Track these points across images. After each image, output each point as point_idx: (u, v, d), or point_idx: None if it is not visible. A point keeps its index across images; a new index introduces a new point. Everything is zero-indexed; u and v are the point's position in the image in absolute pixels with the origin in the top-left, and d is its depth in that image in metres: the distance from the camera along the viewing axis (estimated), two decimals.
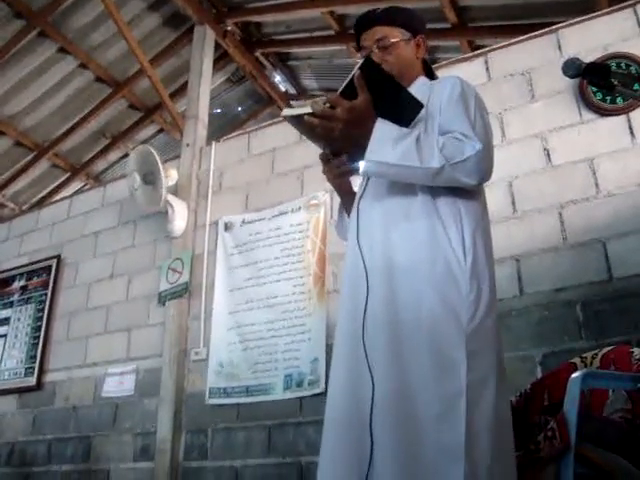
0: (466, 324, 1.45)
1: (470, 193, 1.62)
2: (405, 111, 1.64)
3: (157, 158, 4.28)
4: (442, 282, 1.49)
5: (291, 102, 7.08)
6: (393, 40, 1.83)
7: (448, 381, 1.40)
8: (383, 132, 1.55)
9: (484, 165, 1.56)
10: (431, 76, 1.93)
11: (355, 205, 1.74)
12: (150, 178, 4.31)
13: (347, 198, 1.87)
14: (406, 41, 1.86)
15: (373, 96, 1.58)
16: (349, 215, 1.85)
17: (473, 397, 1.39)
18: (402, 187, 1.62)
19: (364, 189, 1.73)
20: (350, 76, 1.57)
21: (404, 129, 1.58)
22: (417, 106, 1.64)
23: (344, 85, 1.59)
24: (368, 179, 1.71)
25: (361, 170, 1.60)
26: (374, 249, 1.59)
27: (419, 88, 1.80)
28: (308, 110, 1.60)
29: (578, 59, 1.66)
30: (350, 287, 1.64)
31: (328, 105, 1.59)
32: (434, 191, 1.58)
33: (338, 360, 1.61)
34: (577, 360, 2.20)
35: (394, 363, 1.45)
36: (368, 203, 1.68)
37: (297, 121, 1.66)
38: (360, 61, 1.57)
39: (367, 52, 1.83)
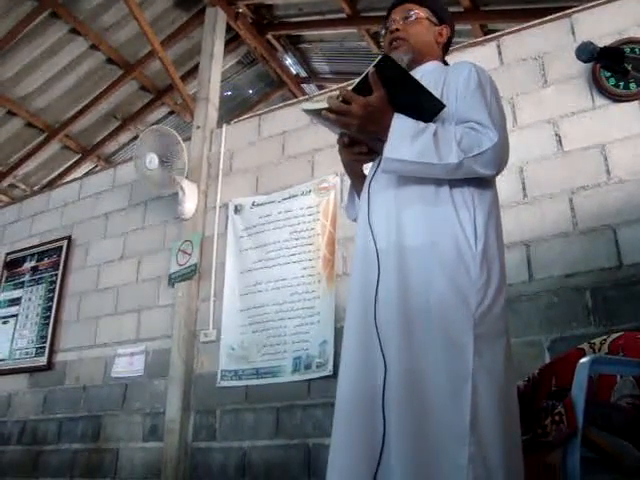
0: (475, 308, 1.46)
1: (484, 181, 1.62)
2: (425, 108, 1.63)
3: (179, 138, 4.30)
4: (452, 266, 1.49)
5: (308, 96, 7.05)
6: (419, 15, 1.90)
7: (455, 364, 1.41)
8: (400, 128, 1.56)
9: (501, 155, 1.58)
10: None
11: (366, 186, 1.74)
12: (163, 159, 4.30)
13: (358, 181, 1.88)
14: (431, 22, 1.92)
15: (391, 92, 1.58)
16: (359, 197, 1.86)
17: (480, 381, 1.40)
18: None
19: (375, 170, 1.73)
20: (365, 73, 1.57)
21: (421, 124, 1.57)
22: (439, 105, 1.63)
23: (358, 81, 1.59)
24: (380, 161, 1.71)
25: (380, 168, 1.61)
26: (386, 230, 1.59)
27: (431, 71, 1.80)
28: (325, 105, 1.61)
29: (592, 43, 1.66)
30: (361, 268, 1.65)
31: (341, 100, 1.59)
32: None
33: (350, 341, 1.62)
34: (585, 346, 2.21)
35: (405, 346, 1.45)
36: (380, 185, 1.68)
37: (316, 114, 1.67)
38: (377, 58, 1.55)
39: (391, 24, 1.91)
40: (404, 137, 1.54)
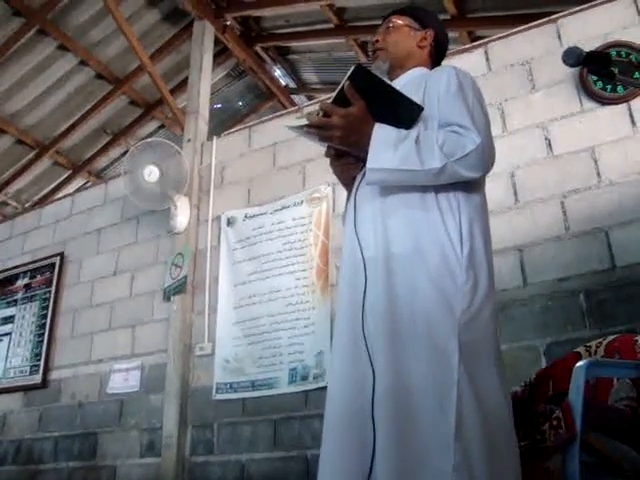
0: (460, 315, 1.45)
1: (469, 184, 1.61)
2: (404, 114, 1.63)
3: (177, 148, 4.33)
4: (438, 272, 1.49)
5: (298, 107, 7.07)
6: (396, 24, 1.93)
7: (441, 372, 1.40)
8: (381, 137, 1.56)
9: (486, 157, 1.56)
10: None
11: (352, 194, 1.74)
12: (166, 171, 4.28)
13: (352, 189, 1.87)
14: (411, 28, 1.93)
15: (370, 102, 1.58)
16: None
17: (465, 388, 1.39)
18: None
19: (361, 180, 1.72)
20: (340, 85, 1.58)
21: (402, 131, 1.57)
22: (417, 109, 1.63)
23: (336, 93, 1.59)
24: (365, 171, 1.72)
25: (364, 180, 1.60)
26: (371, 239, 1.59)
27: (413, 78, 1.82)
28: (305, 122, 1.62)
29: (578, 48, 1.66)
30: (348, 277, 1.65)
31: (322, 114, 1.60)
32: None
33: (338, 350, 1.62)
34: (582, 349, 2.20)
35: (392, 354, 1.45)
36: (365, 193, 1.68)
37: (299, 130, 1.69)
38: (350, 70, 1.56)
39: (375, 37, 1.95)
40: (386, 146, 1.54)
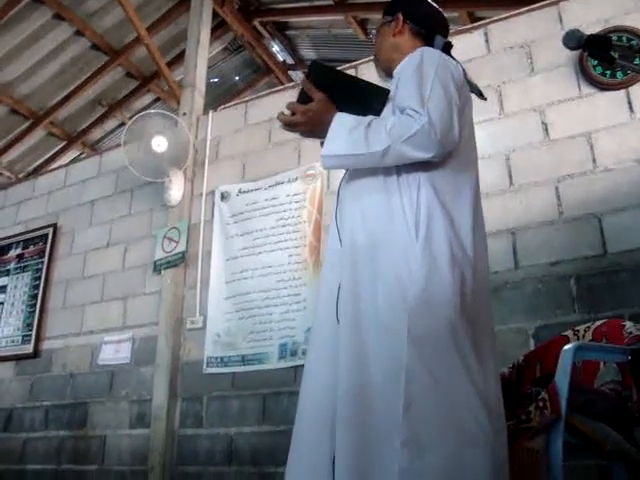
0: (412, 299, 1.44)
1: (430, 165, 1.57)
2: (372, 100, 1.68)
3: (178, 119, 4.34)
4: (394, 259, 1.50)
5: (294, 83, 7.02)
6: (377, 28, 1.97)
7: (391, 355, 1.43)
8: (338, 126, 1.61)
9: (435, 137, 1.49)
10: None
11: (340, 182, 1.79)
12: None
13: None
14: (384, 24, 1.93)
15: (334, 94, 1.65)
16: None
17: (417, 369, 1.40)
18: None
19: (345, 173, 1.79)
20: (301, 84, 1.68)
21: (360, 118, 1.60)
22: (382, 93, 1.68)
23: (299, 92, 1.68)
24: None
25: (321, 164, 1.69)
26: (344, 228, 1.65)
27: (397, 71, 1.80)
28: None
29: (579, 30, 1.65)
30: (327, 266, 1.72)
31: (290, 113, 1.68)
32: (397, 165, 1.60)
33: (314, 338, 1.71)
34: (570, 333, 2.22)
35: (354, 343, 1.49)
36: (346, 179, 1.75)
37: None
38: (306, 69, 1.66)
39: None
40: (341, 132, 1.59)
